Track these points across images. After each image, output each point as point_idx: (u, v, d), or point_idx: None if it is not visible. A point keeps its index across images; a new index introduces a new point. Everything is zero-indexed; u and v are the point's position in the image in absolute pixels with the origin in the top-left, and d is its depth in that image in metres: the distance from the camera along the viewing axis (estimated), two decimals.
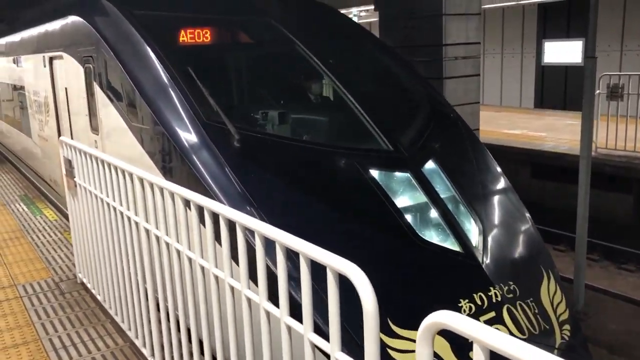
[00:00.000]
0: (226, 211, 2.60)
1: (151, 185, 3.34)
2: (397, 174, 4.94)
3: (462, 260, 4.48)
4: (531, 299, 4.57)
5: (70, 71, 7.04)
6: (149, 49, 5.17)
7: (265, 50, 6.24)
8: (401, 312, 3.77)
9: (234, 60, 6.17)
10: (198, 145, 4.53)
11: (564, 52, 18.37)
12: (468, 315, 4.12)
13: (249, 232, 2.50)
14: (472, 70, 8.34)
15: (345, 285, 1.89)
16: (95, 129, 6.39)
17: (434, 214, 4.76)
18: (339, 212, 4.44)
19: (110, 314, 4.53)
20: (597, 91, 10.46)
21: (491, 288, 4.39)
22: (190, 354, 3.29)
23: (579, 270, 8.33)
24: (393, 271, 4.21)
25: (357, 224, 4.42)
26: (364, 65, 6.65)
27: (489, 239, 4.83)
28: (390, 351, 3.70)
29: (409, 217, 4.59)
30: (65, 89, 7.49)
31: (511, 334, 3.96)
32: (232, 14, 6.22)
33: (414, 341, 1.56)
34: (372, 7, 11.04)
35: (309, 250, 2.04)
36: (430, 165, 5.15)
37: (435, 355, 2.44)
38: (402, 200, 4.75)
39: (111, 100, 5.77)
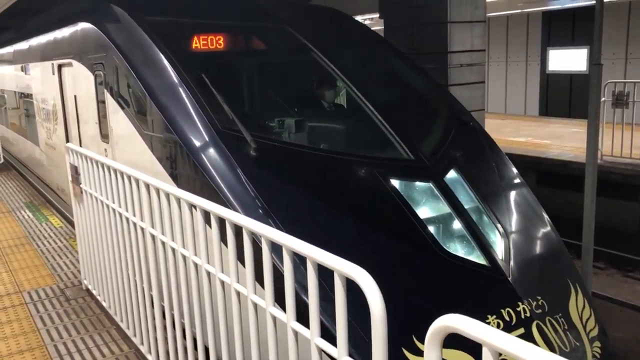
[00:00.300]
0: (233, 216, 2.59)
1: (157, 190, 3.34)
2: (419, 183, 4.79)
3: (488, 274, 4.30)
4: (560, 314, 4.39)
5: (80, 78, 6.95)
6: (161, 56, 5.06)
7: (281, 57, 6.15)
8: (426, 329, 3.55)
9: (249, 67, 6.04)
10: (213, 154, 4.39)
11: (568, 60, 18.37)
12: None
13: (255, 237, 2.49)
14: (477, 78, 8.34)
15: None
16: (105, 137, 6.27)
17: (457, 225, 4.59)
18: (360, 223, 4.28)
19: (116, 321, 4.52)
20: (603, 99, 10.45)
21: (519, 303, 4.20)
22: None
23: (585, 278, 8.27)
24: (417, 285, 4.06)
25: (379, 236, 4.26)
26: (382, 73, 6.54)
27: (515, 251, 4.64)
28: None
29: (432, 229, 4.42)
30: (74, 96, 7.40)
31: None
32: (246, 20, 6.13)
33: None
34: (377, 15, 11.07)
35: (316, 254, 2.03)
36: (452, 174, 5.00)
37: None
38: (425, 211, 4.59)
39: (122, 108, 5.65)
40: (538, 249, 4.97)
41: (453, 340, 1.64)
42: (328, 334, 2.14)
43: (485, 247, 4.45)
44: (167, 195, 3.23)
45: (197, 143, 4.50)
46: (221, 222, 2.73)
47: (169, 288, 3.44)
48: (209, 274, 2.90)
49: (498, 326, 3.96)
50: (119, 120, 5.76)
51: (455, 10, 7.75)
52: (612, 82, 11.10)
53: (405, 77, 6.49)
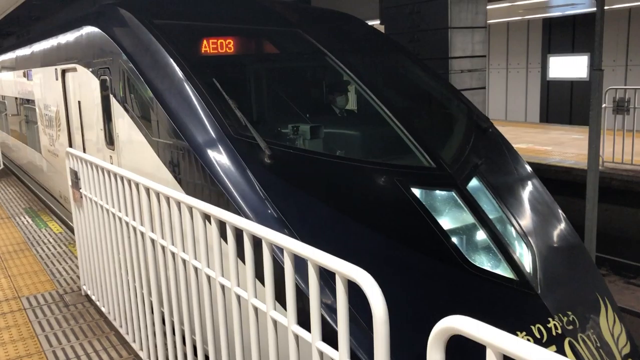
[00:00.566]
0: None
1: (157, 194, 3.33)
2: (441, 192, 4.58)
3: (516, 289, 4.07)
4: (592, 330, 4.17)
5: (85, 84, 6.77)
6: (171, 60, 4.88)
7: (293, 61, 5.99)
8: (453, 347, 3.31)
9: (261, 72, 5.84)
10: (226, 161, 4.17)
11: (569, 66, 18.40)
12: None
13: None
14: (478, 83, 8.34)
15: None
16: (110, 144, 6.04)
17: (482, 236, 4.36)
18: (380, 234, 4.06)
19: (115, 326, 4.49)
20: (604, 105, 10.46)
21: (550, 319, 3.97)
22: None
23: None
24: (442, 300, 3.83)
25: (401, 248, 4.03)
26: (398, 78, 6.38)
27: (542, 264, 4.42)
28: None
29: (455, 240, 4.20)
30: (79, 102, 7.21)
31: None
32: (257, 23, 5.97)
33: None
34: (378, 21, 11.10)
35: (317, 256, 2.01)
36: (474, 182, 4.80)
37: None
38: (447, 221, 4.36)
39: (129, 114, 5.44)
40: (566, 261, 4.75)
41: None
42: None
43: (512, 260, 4.22)
44: (168, 198, 3.22)
45: (209, 150, 4.29)
46: (221, 225, 2.70)
47: (169, 293, 3.41)
48: (209, 278, 2.88)
49: None
50: (126, 127, 5.57)
51: (456, 16, 7.76)
52: (613, 88, 11.11)
53: (421, 83, 6.33)
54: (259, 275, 2.48)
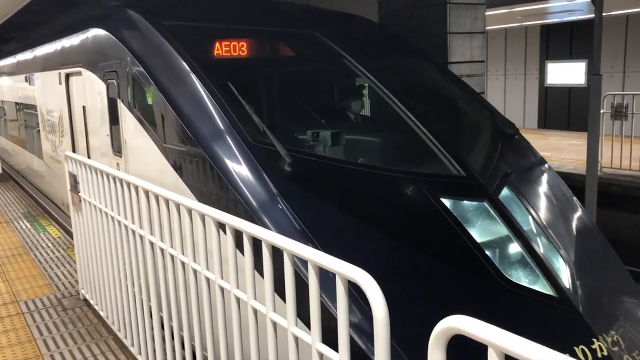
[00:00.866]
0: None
1: (156, 197, 3.32)
2: (473, 202, 4.31)
3: (557, 307, 3.78)
4: (637, 351, 3.90)
5: (90, 88, 6.49)
6: (184, 63, 4.65)
7: (310, 64, 5.74)
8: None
9: (276, 76, 5.62)
10: (244, 169, 3.93)
11: (566, 73, 18.45)
12: None
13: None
14: (477, 89, 8.34)
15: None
16: (117, 151, 5.76)
17: (518, 249, 4.09)
18: (410, 248, 3.81)
19: (114, 330, 4.47)
20: (602, 110, 10.47)
21: (594, 340, 3.69)
22: None
23: None
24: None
25: (432, 263, 3.78)
26: (420, 82, 6.13)
27: (581, 279, 4.14)
28: None
29: (489, 253, 3.93)
30: (83, 107, 6.95)
31: None
32: (272, 25, 5.76)
33: None
34: None
35: (317, 257, 2.01)
36: (505, 192, 4.54)
37: None
38: (480, 234, 4.09)
39: (139, 119, 5.17)
40: (604, 276, 4.49)
41: None
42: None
43: (550, 275, 3.94)
44: (167, 201, 3.21)
45: (225, 157, 4.04)
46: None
47: (168, 297, 3.40)
48: (208, 280, 2.87)
49: None
50: (135, 133, 5.29)
51: (455, 21, 7.78)
52: (611, 94, 11.14)
53: (443, 87, 6.08)
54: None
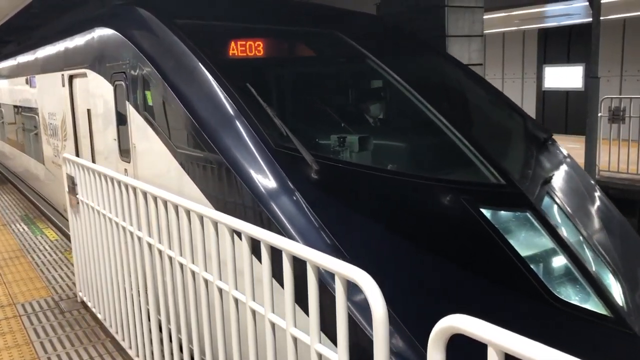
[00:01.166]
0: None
1: (154, 198, 3.32)
2: (515, 213, 4.00)
3: (612, 328, 3.46)
4: None
5: (96, 90, 6.19)
6: (199, 63, 4.37)
7: (333, 65, 5.46)
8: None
9: (296, 76, 5.32)
10: (268, 177, 3.63)
11: (564, 77, 18.50)
12: None
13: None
14: None
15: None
16: (125, 155, 5.45)
17: (565, 263, 3.78)
18: (450, 261, 3.49)
19: (111, 333, 4.46)
20: (599, 114, 10.49)
21: None
22: None
23: None
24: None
25: (474, 278, 3.45)
26: (449, 84, 5.82)
27: (634, 296, 3.83)
28: None
29: (535, 268, 3.62)
30: (88, 110, 6.66)
31: None
32: (290, 24, 5.50)
33: None
34: None
35: (315, 257, 2.00)
36: (546, 201, 4.23)
37: None
38: (524, 247, 3.76)
39: (149, 123, 4.87)
40: None
41: None
42: None
43: (602, 292, 3.61)
44: (165, 202, 3.21)
45: (247, 163, 3.74)
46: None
47: (166, 299, 3.39)
48: (206, 281, 2.86)
49: None
50: (145, 137, 4.99)
51: (453, 24, 7.80)
52: (608, 97, 11.15)
53: (472, 90, 5.76)
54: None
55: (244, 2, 5.81)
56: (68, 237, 7.03)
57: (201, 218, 2.85)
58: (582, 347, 3.22)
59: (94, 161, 6.50)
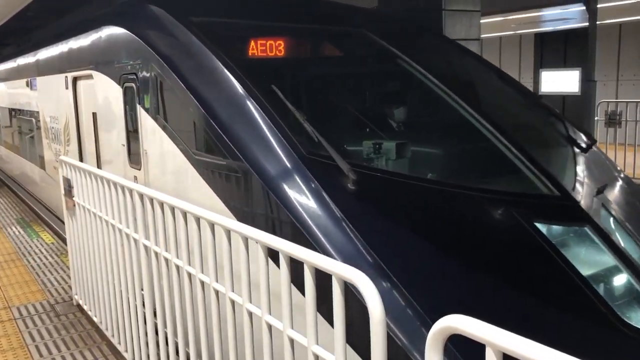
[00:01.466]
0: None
1: (151, 200, 3.30)
2: (573, 227, 3.67)
3: None
4: None
5: (103, 93, 5.84)
6: (219, 63, 4.04)
7: (363, 66, 5.13)
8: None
9: (324, 78, 4.95)
10: (300, 187, 3.31)
11: (561, 81, 18.56)
12: None
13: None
14: None
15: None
16: (135, 162, 5.08)
17: (630, 284, 3.43)
18: (504, 281, 3.14)
19: (107, 336, 4.44)
20: (596, 118, 10.53)
21: None
22: None
23: None
24: None
25: (534, 300, 3.10)
26: (486, 86, 5.47)
27: None
28: None
29: (599, 290, 3.26)
30: (93, 114, 6.29)
31: None
32: (315, 22, 5.16)
33: None
34: None
35: (313, 258, 1.99)
36: (604, 214, 3.90)
37: None
38: (585, 265, 3.40)
39: (163, 127, 4.53)
40: None
41: None
42: None
43: None
44: (162, 204, 3.20)
45: (276, 172, 3.42)
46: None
47: (162, 302, 3.37)
48: (202, 284, 2.85)
49: None
50: (158, 142, 4.63)
51: (450, 28, 7.81)
52: (605, 101, 11.19)
53: (512, 93, 5.40)
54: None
55: None
56: (64, 241, 6.99)
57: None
58: None
59: (99, 167, 6.14)
